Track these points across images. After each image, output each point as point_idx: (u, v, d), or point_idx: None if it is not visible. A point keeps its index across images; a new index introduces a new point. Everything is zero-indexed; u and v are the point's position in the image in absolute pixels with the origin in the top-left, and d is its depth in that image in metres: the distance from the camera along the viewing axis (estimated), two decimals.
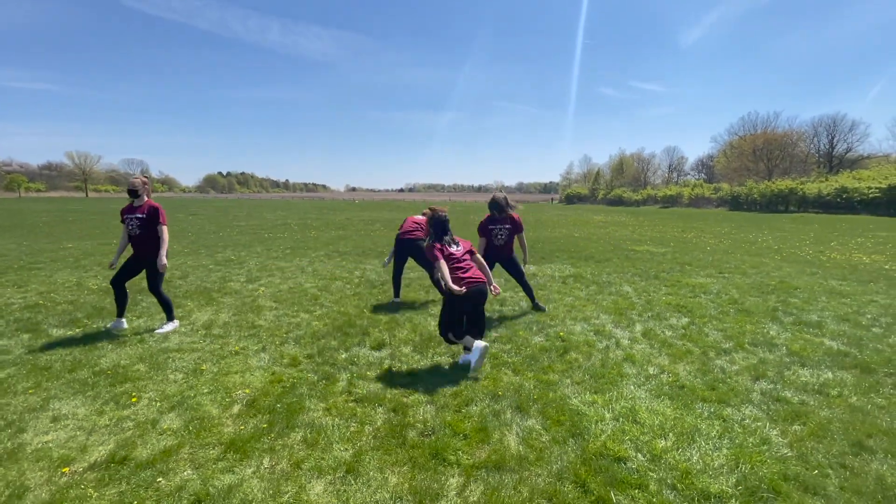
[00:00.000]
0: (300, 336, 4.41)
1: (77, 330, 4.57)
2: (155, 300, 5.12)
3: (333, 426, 2.71)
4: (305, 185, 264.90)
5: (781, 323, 4.95)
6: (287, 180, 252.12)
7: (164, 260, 4.43)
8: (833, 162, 51.87)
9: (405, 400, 3.07)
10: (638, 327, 4.78)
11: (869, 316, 5.22)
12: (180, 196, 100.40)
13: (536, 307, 5.50)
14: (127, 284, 4.57)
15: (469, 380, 3.38)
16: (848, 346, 4.16)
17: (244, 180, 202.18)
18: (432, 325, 4.86)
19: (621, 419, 2.80)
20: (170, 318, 4.68)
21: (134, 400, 3.02)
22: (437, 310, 5.47)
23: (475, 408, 2.96)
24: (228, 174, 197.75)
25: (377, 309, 5.48)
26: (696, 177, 72.95)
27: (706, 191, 56.01)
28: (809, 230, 18.84)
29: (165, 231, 4.49)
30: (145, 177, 4.66)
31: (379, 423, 2.76)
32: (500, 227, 5.23)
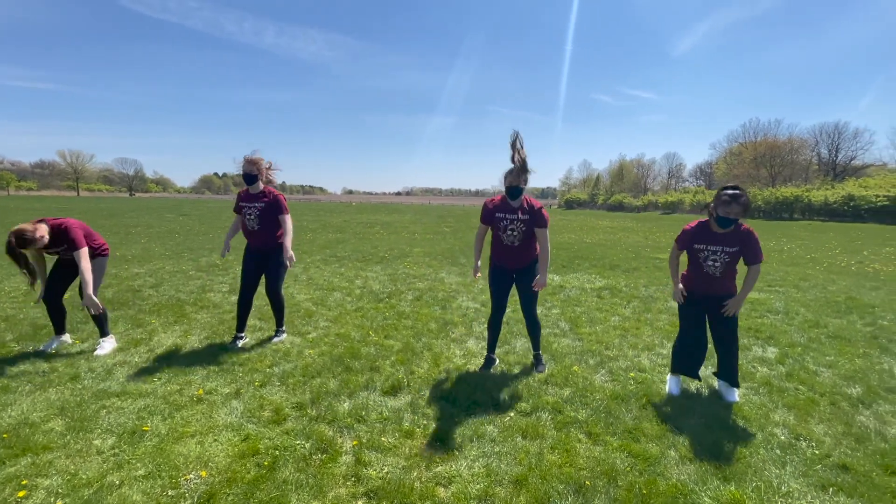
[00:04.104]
0: (288, 372, 3.34)
1: None
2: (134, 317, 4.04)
3: None
4: (302, 187, 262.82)
5: None
6: (283, 182, 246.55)
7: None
8: (837, 170, 51.34)
9: (442, 494, 2.02)
10: None
11: None
12: (174, 196, 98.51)
13: (537, 363, 3.55)
14: (63, 297, 3.71)
15: (532, 452, 2.33)
16: None
17: (240, 181, 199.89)
18: (458, 354, 3.82)
19: None
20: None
21: (21, 495, 1.94)
22: (458, 332, 4.43)
23: None
24: (224, 175, 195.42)
25: (385, 331, 4.42)
26: (695, 183, 72.32)
27: (708, 197, 55.28)
28: (828, 239, 17.95)
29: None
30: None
31: None
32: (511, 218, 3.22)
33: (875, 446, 2.46)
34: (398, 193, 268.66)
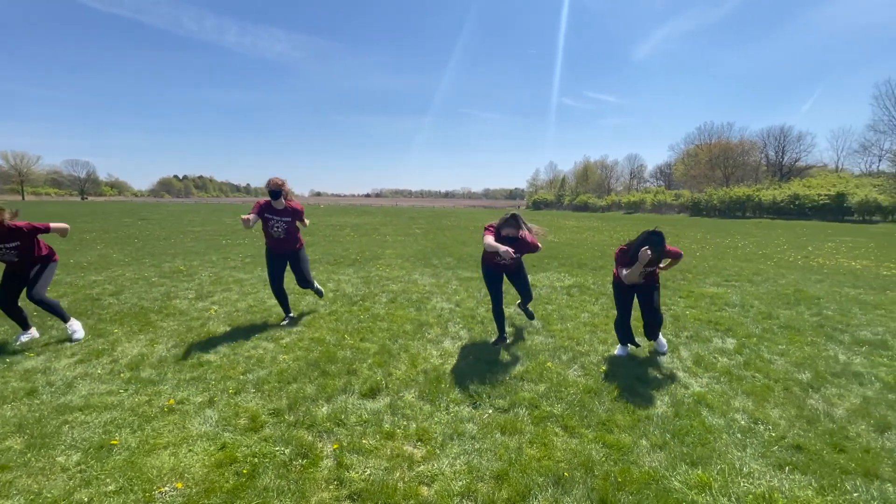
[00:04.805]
0: (262, 378, 3.28)
1: None
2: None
3: None
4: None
5: (841, 343, 4.26)
6: (248, 184, 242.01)
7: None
8: (783, 171, 54.65)
9: (426, 493, 2.05)
10: (684, 353, 3.95)
11: None
12: (132, 200, 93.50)
13: (525, 311, 4.71)
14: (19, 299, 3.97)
15: (511, 447, 2.39)
16: None
17: (202, 184, 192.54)
18: (434, 354, 3.85)
19: None
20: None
21: None
22: (434, 333, 4.46)
23: None
24: (185, 178, 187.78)
25: (360, 333, 4.40)
26: (655, 184, 75.21)
27: (668, 197, 57.67)
28: (777, 235, 19.10)
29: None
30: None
31: None
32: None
33: (824, 427, 2.66)
34: (367, 195, 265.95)
